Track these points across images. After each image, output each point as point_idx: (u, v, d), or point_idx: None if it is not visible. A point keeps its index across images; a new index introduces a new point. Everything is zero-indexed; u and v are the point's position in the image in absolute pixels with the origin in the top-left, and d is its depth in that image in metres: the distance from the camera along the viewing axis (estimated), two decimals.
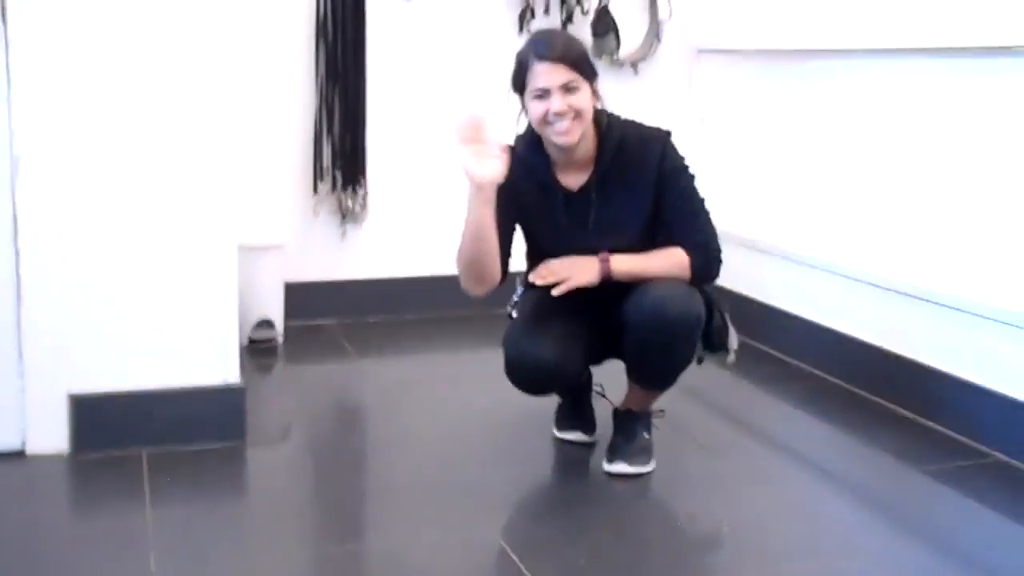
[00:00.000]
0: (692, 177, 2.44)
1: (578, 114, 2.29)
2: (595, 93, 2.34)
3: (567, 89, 2.28)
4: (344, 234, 3.70)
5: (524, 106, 2.36)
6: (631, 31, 3.86)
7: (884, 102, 3.04)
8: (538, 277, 2.36)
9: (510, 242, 2.45)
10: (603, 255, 2.35)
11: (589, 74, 2.33)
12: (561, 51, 2.29)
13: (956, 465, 2.58)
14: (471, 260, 2.34)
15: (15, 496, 2.34)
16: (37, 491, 2.39)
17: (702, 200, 2.44)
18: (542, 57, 2.28)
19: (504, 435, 2.69)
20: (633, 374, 2.45)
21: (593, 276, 2.34)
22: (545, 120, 2.30)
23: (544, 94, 2.28)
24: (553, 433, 2.67)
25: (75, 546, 2.10)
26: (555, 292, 2.32)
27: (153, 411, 2.52)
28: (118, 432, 2.50)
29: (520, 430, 2.70)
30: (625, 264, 2.35)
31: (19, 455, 2.47)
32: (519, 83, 2.34)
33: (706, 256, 2.40)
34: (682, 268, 2.38)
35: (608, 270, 2.34)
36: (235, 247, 2.58)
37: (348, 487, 2.46)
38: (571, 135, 2.31)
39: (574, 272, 2.33)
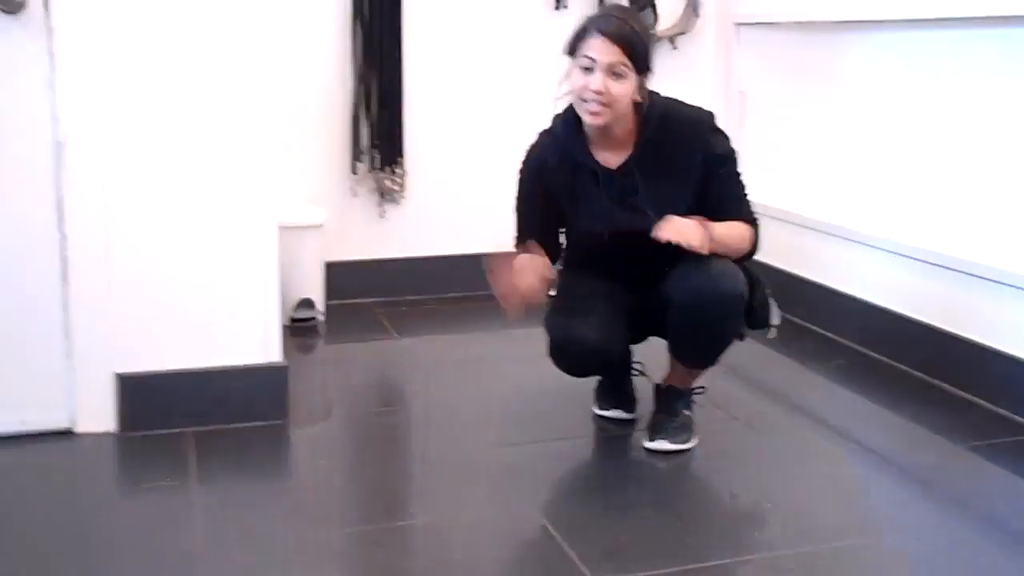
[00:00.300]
0: (736, 159, 2.43)
1: (611, 102, 2.27)
2: (641, 87, 2.30)
3: (612, 72, 2.25)
4: (383, 213, 3.71)
5: (568, 72, 2.33)
6: (669, 5, 3.83)
7: (927, 73, 2.99)
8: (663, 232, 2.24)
9: (556, 229, 2.48)
10: (700, 219, 2.30)
11: (641, 66, 2.29)
12: (621, 32, 2.25)
13: (1002, 441, 2.55)
14: None
15: (65, 474, 2.39)
16: (86, 469, 2.43)
17: (743, 179, 2.44)
18: (601, 31, 2.26)
19: (544, 413, 2.70)
20: (676, 352, 2.45)
21: (704, 241, 2.25)
22: (581, 94, 2.30)
23: (590, 66, 2.27)
24: (593, 411, 2.67)
25: (124, 523, 2.14)
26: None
27: (197, 390, 2.56)
28: (164, 411, 2.54)
29: (560, 408, 2.70)
30: (718, 231, 2.30)
31: (68, 434, 2.51)
32: (573, 47, 2.32)
33: (757, 231, 2.42)
34: (749, 241, 2.39)
35: (710, 236, 2.27)
36: (276, 227, 2.60)
37: (389, 465, 2.48)
38: (598, 119, 2.30)
39: (688, 235, 2.24)
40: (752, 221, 2.41)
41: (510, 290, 2.29)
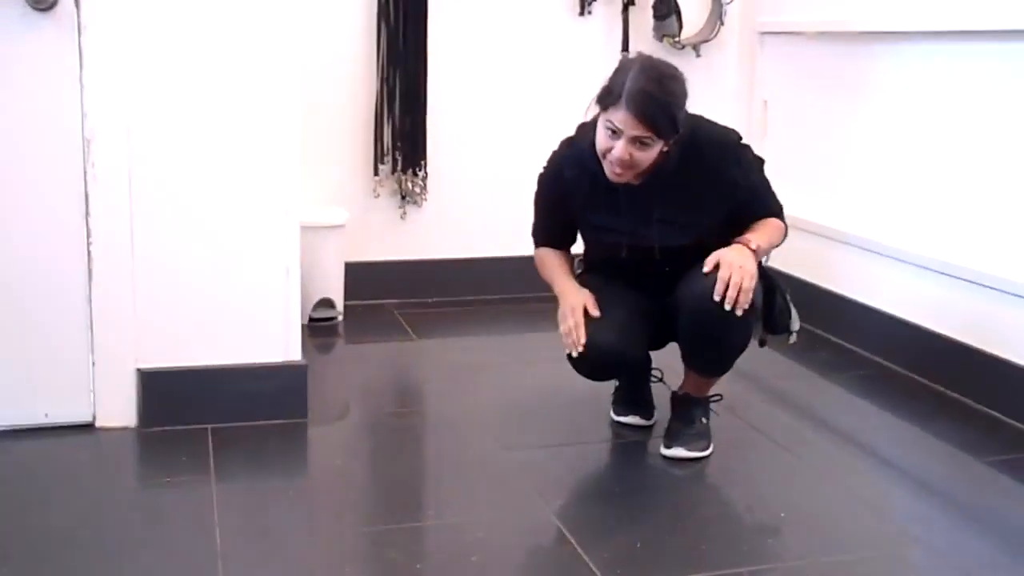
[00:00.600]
0: (763, 166, 2.44)
1: (633, 166, 2.27)
2: (666, 144, 2.28)
3: (638, 141, 2.23)
4: (404, 215, 3.73)
5: (596, 116, 2.31)
6: (693, 13, 3.83)
7: (952, 85, 2.98)
8: (728, 298, 2.25)
9: (573, 231, 2.52)
10: (744, 239, 2.32)
11: (668, 134, 2.25)
12: (650, 112, 2.20)
13: (1019, 456, 2.54)
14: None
15: (85, 467, 2.41)
16: (106, 463, 2.45)
17: (766, 175, 2.46)
18: (629, 106, 2.20)
19: (562, 417, 2.70)
20: (689, 360, 2.45)
21: (754, 266, 2.30)
22: (603, 154, 2.29)
23: (616, 132, 2.24)
24: (611, 416, 2.67)
25: (143, 517, 2.16)
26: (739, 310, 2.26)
27: (218, 387, 2.58)
28: (184, 407, 2.56)
29: (578, 413, 2.71)
30: (762, 243, 2.35)
31: (89, 427, 2.53)
32: (603, 102, 2.27)
33: (784, 218, 2.47)
34: (782, 233, 2.46)
35: (756, 255, 2.33)
36: (298, 227, 2.61)
37: (406, 465, 2.49)
38: (620, 177, 2.30)
39: (743, 272, 2.26)
40: (779, 212, 2.46)
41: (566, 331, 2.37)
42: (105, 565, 1.96)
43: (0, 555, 1.96)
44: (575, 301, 2.39)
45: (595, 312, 2.37)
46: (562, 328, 2.38)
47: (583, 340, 2.34)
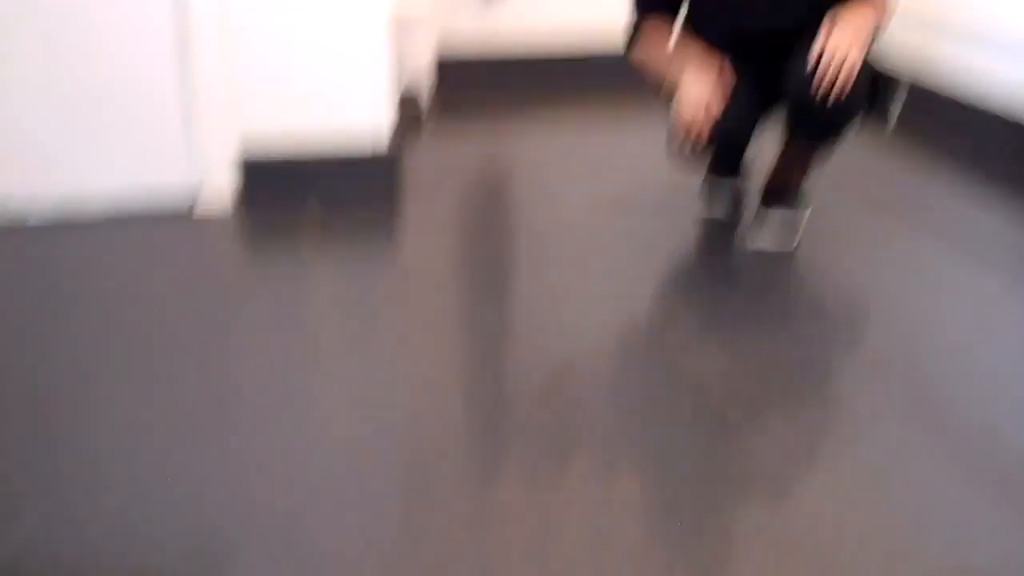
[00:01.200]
0: None
1: None
2: None
3: None
4: (492, 8, 3.65)
5: None
6: None
7: None
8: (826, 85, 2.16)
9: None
10: (857, 12, 2.22)
11: None
12: None
13: None
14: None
15: (185, 253, 2.50)
16: (205, 249, 2.53)
17: None
18: None
19: (648, 211, 2.69)
20: (796, 124, 2.34)
21: (866, 38, 2.19)
22: None
23: None
24: (699, 211, 2.65)
25: (239, 300, 2.24)
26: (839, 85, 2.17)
27: (313, 176, 2.63)
28: (280, 195, 2.62)
29: (667, 205, 2.70)
30: (863, 32, 2.21)
31: (188, 216, 2.62)
32: None
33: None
34: (889, 13, 2.31)
35: (868, 28, 2.22)
36: (388, 18, 2.59)
37: (495, 254, 2.53)
38: None
39: (854, 42, 2.17)
40: None
41: (688, 120, 2.27)
42: (203, 343, 2.04)
43: (98, 343, 2.04)
44: (700, 93, 2.27)
45: (719, 106, 2.26)
46: (681, 116, 2.28)
47: (704, 137, 2.27)
